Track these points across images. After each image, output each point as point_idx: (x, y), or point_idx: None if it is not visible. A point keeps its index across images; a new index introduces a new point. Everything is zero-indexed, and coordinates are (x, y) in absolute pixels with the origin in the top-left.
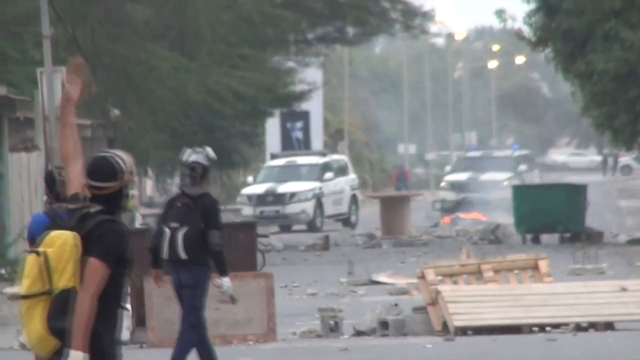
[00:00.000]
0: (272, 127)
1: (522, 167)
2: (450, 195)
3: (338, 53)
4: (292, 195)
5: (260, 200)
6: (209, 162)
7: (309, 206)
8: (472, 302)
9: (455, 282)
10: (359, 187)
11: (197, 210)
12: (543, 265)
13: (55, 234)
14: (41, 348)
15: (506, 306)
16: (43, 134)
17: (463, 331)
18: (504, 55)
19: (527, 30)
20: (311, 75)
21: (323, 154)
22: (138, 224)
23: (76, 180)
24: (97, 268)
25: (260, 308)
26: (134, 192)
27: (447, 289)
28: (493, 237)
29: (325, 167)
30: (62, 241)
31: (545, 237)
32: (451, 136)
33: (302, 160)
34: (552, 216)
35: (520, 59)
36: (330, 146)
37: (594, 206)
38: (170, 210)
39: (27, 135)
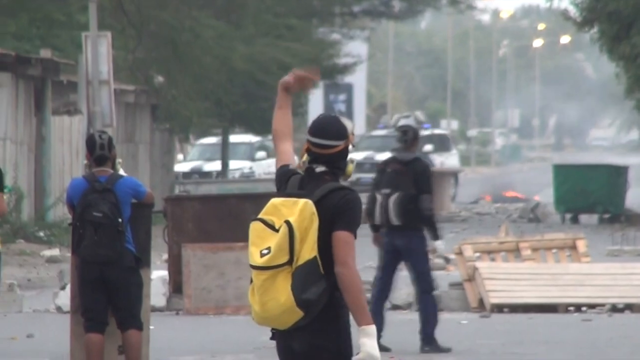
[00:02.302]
0: (315, 99)
1: (428, 147)
2: None
3: (384, 27)
4: (218, 174)
5: (185, 178)
6: (419, 125)
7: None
8: (508, 279)
9: (492, 259)
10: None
11: (408, 176)
12: (581, 245)
13: (282, 201)
14: (283, 320)
15: (543, 285)
16: (86, 97)
17: (499, 308)
18: (550, 34)
19: (573, 10)
20: (356, 48)
21: None
22: (178, 191)
23: (288, 154)
24: (350, 240)
25: None
26: (354, 158)
27: (484, 266)
28: (532, 215)
29: (260, 147)
30: (300, 208)
31: (584, 218)
32: (494, 113)
33: (235, 138)
34: (592, 197)
35: (565, 39)
36: (373, 119)
37: (635, 188)
38: (382, 176)
39: (70, 99)
